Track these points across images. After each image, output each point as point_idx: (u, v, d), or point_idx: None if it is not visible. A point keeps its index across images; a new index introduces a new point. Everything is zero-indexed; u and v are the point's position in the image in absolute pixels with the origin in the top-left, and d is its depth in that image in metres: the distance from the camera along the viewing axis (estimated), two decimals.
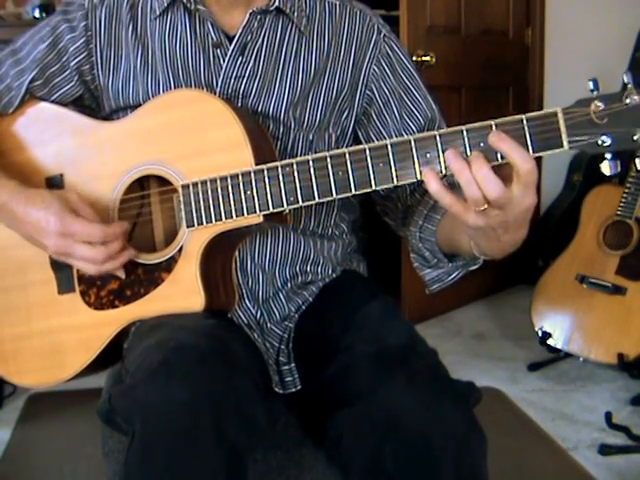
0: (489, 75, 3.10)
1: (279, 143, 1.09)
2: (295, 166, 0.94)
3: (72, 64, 1.10)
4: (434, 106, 1.15)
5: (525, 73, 3.30)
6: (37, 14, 2.49)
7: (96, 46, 1.10)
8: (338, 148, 1.11)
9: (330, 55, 1.11)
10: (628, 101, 0.81)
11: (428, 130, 1.12)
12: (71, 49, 1.10)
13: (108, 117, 1.13)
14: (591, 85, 0.83)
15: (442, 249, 1.04)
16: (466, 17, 2.95)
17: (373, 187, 0.91)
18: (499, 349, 2.68)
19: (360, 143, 1.15)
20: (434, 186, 0.85)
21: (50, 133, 1.11)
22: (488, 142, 0.83)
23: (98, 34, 1.10)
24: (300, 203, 0.95)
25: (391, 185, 0.91)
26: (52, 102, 1.12)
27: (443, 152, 0.88)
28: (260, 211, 0.96)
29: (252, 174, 0.96)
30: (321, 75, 1.11)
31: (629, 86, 0.82)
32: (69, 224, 0.98)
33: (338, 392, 0.96)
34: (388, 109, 1.13)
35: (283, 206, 0.95)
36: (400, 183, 0.90)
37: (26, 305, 1.10)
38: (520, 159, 0.81)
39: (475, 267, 1.05)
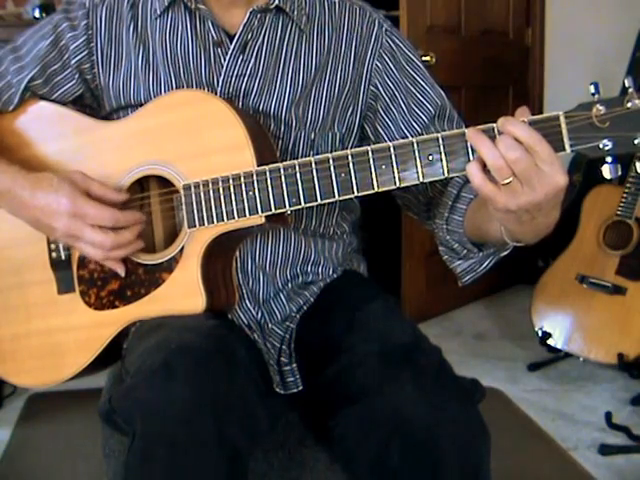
0: (489, 75, 3.10)
1: (280, 142, 1.09)
2: (297, 167, 0.94)
3: (73, 62, 1.10)
4: (443, 94, 1.14)
5: (525, 73, 3.30)
6: (37, 14, 2.49)
7: (97, 45, 1.10)
8: (343, 146, 1.12)
9: (331, 52, 1.11)
10: (629, 105, 0.82)
11: (439, 118, 1.12)
12: (72, 47, 1.10)
13: (108, 116, 1.13)
14: (592, 89, 0.84)
15: (470, 239, 1.03)
16: (466, 17, 2.95)
17: (375, 189, 0.92)
18: (499, 349, 2.68)
19: (367, 139, 1.15)
20: (469, 165, 0.85)
21: (51, 132, 1.11)
22: (500, 128, 0.83)
23: (99, 33, 1.10)
24: (302, 204, 0.95)
25: (393, 187, 0.91)
26: (53, 101, 1.12)
27: (446, 155, 0.88)
28: (262, 212, 0.96)
29: (254, 175, 0.96)
30: (322, 72, 1.11)
31: (630, 90, 0.83)
32: (81, 205, 0.98)
33: (342, 391, 0.96)
34: (395, 103, 1.12)
35: (285, 207, 0.95)
36: (402, 185, 0.90)
37: (25, 305, 1.10)
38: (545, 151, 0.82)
39: (506, 253, 1.03)
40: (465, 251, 1.04)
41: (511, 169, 0.82)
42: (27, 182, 1.02)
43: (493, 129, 0.85)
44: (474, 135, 0.85)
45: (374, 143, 1.12)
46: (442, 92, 1.14)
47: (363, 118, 1.14)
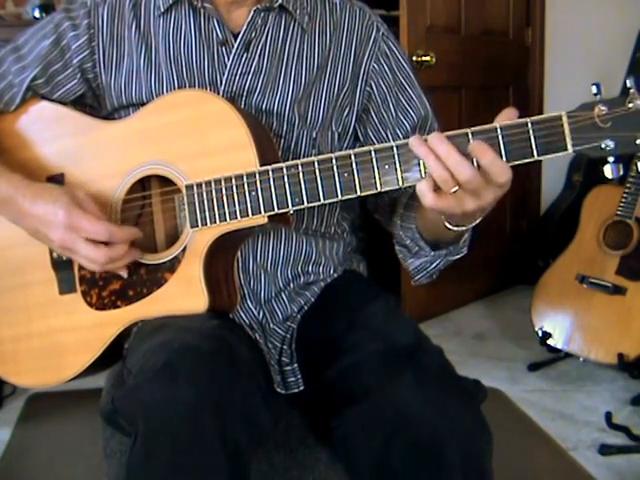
0: (489, 75, 3.10)
1: (282, 141, 1.09)
2: (300, 167, 0.94)
3: (74, 62, 1.10)
4: (428, 105, 1.17)
5: (525, 73, 3.30)
6: (37, 14, 2.49)
7: (98, 44, 1.10)
8: (340, 146, 1.13)
9: (331, 52, 1.12)
10: (631, 105, 0.83)
11: (421, 128, 1.14)
12: (74, 46, 1.10)
13: (109, 115, 1.13)
14: (594, 89, 0.85)
15: (423, 236, 1.05)
16: (466, 17, 2.95)
17: (378, 189, 0.92)
18: (499, 349, 2.68)
19: (358, 141, 1.16)
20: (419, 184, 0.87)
21: (52, 132, 1.11)
22: (468, 150, 0.84)
23: (100, 32, 1.10)
24: (305, 204, 0.95)
25: (396, 187, 0.91)
26: (54, 100, 1.12)
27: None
28: (265, 212, 0.96)
29: (257, 175, 0.96)
30: (323, 72, 1.11)
31: (632, 91, 0.83)
32: (76, 218, 0.98)
33: (344, 390, 0.96)
34: (385, 106, 1.14)
35: (288, 207, 0.95)
36: (405, 185, 0.91)
37: (26, 305, 1.10)
38: (499, 171, 0.84)
39: (458, 257, 1.05)
40: (417, 248, 1.06)
41: (457, 182, 0.84)
42: (29, 191, 1.02)
43: (495, 129, 0.85)
44: (417, 145, 0.86)
45: (361, 144, 1.13)
46: (427, 103, 1.16)
47: (357, 120, 1.15)
